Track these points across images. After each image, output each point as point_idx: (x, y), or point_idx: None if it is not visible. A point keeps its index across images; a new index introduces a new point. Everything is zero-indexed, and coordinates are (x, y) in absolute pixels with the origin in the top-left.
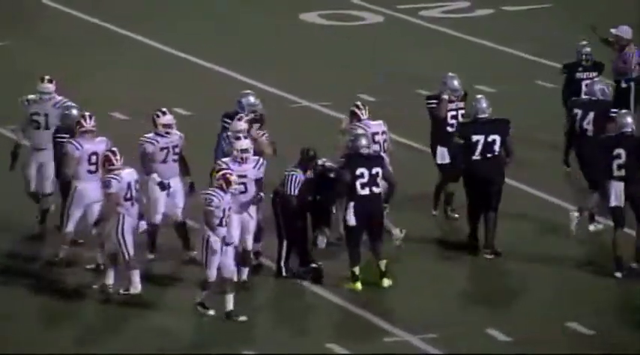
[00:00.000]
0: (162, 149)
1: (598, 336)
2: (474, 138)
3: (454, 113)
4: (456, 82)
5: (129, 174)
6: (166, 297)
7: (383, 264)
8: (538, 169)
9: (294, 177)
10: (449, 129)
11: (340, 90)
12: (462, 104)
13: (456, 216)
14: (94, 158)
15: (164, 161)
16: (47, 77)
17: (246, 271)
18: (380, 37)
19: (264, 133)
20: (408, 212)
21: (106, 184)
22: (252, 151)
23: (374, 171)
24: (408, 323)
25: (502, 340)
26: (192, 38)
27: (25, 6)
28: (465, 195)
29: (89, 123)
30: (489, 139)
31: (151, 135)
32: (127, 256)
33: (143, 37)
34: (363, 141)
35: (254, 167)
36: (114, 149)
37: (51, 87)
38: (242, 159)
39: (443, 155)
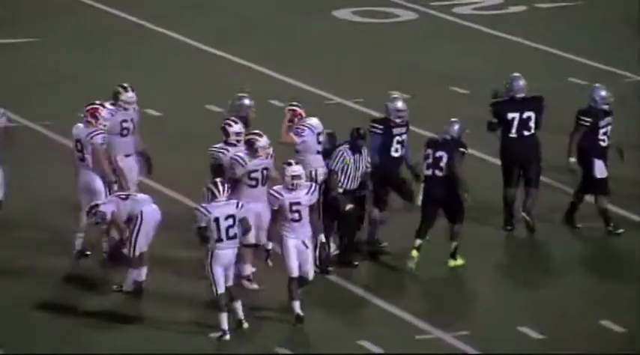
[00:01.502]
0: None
1: (630, 334)
2: (509, 116)
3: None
4: (521, 83)
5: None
6: (199, 292)
7: (453, 245)
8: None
9: (340, 152)
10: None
11: (373, 88)
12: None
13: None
14: None
15: None
16: (128, 85)
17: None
18: (413, 33)
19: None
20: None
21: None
22: (304, 177)
23: (438, 154)
24: (440, 321)
25: (535, 337)
26: (225, 35)
27: (58, 2)
28: (502, 175)
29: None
30: (524, 116)
31: (220, 144)
32: (131, 253)
33: (176, 33)
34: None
35: (307, 193)
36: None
37: (134, 95)
38: (293, 185)
39: None
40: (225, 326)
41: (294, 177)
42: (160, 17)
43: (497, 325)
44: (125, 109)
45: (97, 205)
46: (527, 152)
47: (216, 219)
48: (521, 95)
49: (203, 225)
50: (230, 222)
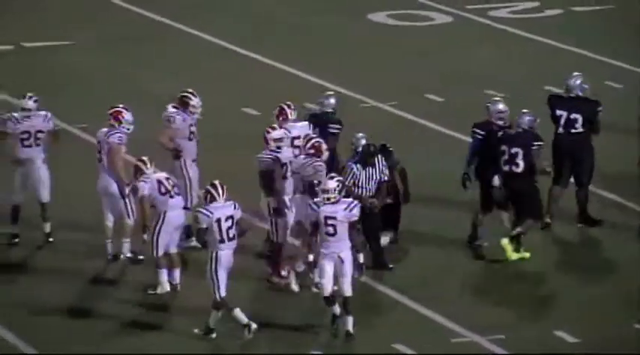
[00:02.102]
0: (281, 165)
1: None
2: (558, 112)
3: None
4: (578, 81)
5: (158, 175)
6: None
7: (515, 231)
8: (608, 170)
9: (350, 168)
10: None
11: (408, 91)
12: None
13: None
14: None
15: (284, 177)
16: (193, 91)
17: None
18: (448, 37)
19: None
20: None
21: (134, 190)
22: (343, 192)
23: (513, 150)
24: (475, 324)
25: (571, 341)
26: (260, 37)
27: (90, 4)
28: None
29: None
30: (571, 117)
31: (264, 152)
32: (154, 253)
33: (209, 35)
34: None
35: (345, 209)
36: (144, 158)
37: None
38: (328, 199)
39: None
40: (214, 324)
41: (323, 190)
42: (192, 18)
43: (533, 329)
44: (192, 113)
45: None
46: (574, 150)
47: (218, 221)
48: (574, 94)
49: (204, 226)
50: (229, 223)
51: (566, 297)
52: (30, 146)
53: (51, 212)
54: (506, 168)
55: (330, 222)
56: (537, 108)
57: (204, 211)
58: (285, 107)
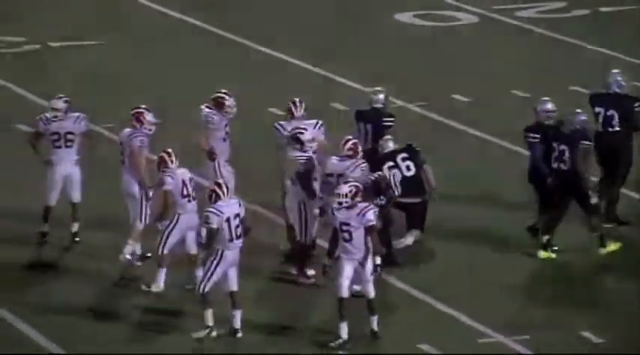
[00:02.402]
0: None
1: None
2: (596, 109)
3: None
4: (618, 78)
5: (183, 173)
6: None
7: (594, 236)
8: (634, 169)
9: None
10: None
11: (435, 91)
12: None
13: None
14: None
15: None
16: (226, 91)
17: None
18: (475, 37)
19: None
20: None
21: (160, 182)
22: (358, 196)
23: (561, 148)
24: (500, 324)
25: (596, 342)
26: (286, 37)
27: (118, 5)
28: None
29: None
30: (608, 113)
31: (299, 153)
32: (159, 252)
33: (236, 35)
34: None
35: (358, 214)
36: (169, 150)
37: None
38: (340, 204)
39: None
40: (211, 322)
41: (337, 195)
42: (219, 19)
43: (559, 329)
44: (227, 114)
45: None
46: (611, 147)
47: (228, 219)
48: (612, 91)
49: (215, 226)
50: (237, 221)
51: (593, 297)
52: (60, 147)
53: (79, 212)
54: (554, 165)
55: (344, 227)
56: (563, 108)
57: (215, 211)
58: (291, 104)
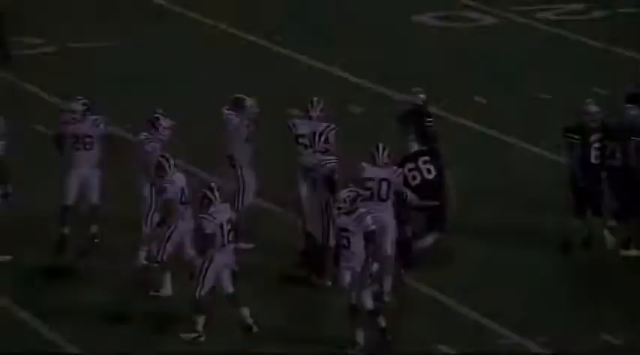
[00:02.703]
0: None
1: None
2: (632, 112)
3: None
4: None
5: (180, 179)
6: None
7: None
8: None
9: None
10: None
11: (453, 92)
12: None
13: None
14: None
15: None
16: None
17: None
18: (493, 38)
19: None
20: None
21: (161, 189)
22: (356, 202)
23: (612, 144)
24: (519, 325)
25: (615, 344)
26: (304, 38)
27: (132, 6)
28: None
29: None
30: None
31: (326, 156)
32: (158, 258)
33: (256, 37)
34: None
35: (354, 219)
36: (166, 155)
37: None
38: (339, 209)
39: None
40: (201, 328)
41: (336, 201)
42: (236, 20)
43: (578, 330)
44: (248, 115)
45: (165, 179)
46: None
47: (221, 225)
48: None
49: (210, 232)
50: (229, 225)
51: (613, 298)
52: (79, 149)
53: (98, 214)
54: (607, 162)
55: (343, 233)
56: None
57: (208, 217)
58: (309, 103)
